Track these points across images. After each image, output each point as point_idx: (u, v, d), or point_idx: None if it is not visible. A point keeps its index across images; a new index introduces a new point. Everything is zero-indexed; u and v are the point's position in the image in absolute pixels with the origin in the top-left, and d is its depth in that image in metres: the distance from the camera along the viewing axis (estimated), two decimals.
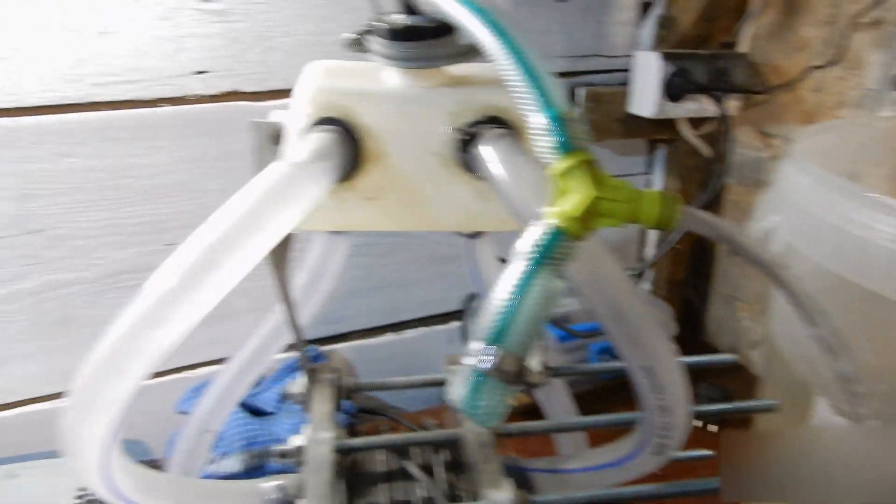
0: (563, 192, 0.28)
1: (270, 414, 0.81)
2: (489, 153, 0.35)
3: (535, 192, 0.31)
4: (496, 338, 0.27)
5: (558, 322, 0.87)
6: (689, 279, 1.05)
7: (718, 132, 0.90)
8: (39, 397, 0.81)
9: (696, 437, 0.39)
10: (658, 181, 0.99)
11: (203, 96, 0.75)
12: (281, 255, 0.44)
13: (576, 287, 0.30)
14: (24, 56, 0.67)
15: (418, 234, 0.92)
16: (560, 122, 0.28)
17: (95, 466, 0.32)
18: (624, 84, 0.89)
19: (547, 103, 0.28)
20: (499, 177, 0.33)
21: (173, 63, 0.73)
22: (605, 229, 0.28)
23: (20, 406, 0.81)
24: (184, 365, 0.85)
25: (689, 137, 0.92)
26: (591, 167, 0.28)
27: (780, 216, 0.48)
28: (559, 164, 0.28)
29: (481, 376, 0.27)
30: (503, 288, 0.27)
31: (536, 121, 0.28)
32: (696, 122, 0.92)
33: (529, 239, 0.27)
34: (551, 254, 0.27)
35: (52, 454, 0.74)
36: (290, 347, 0.48)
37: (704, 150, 0.93)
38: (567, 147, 0.28)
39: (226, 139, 0.77)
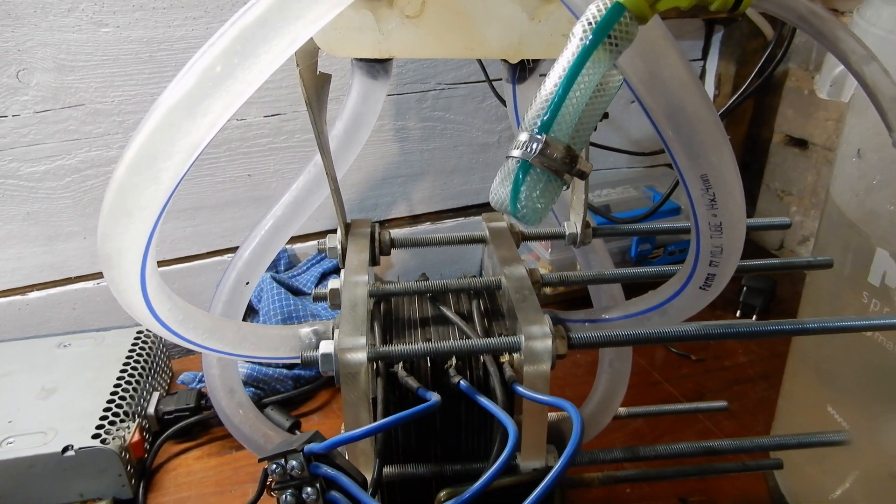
0: None
1: (308, 294, 0.82)
2: None
3: None
4: (544, 125, 0.25)
5: (599, 210, 0.85)
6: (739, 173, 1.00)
7: None
8: (87, 275, 0.83)
9: None
10: (713, 67, 0.93)
11: None
12: (318, 97, 0.43)
13: (630, 81, 0.27)
14: None
15: (456, 120, 0.89)
16: None
17: (133, 280, 0.32)
18: None
19: None
20: None
21: None
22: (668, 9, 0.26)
23: (68, 283, 0.83)
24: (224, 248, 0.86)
25: (753, 15, 0.85)
26: None
27: None
28: None
29: (527, 165, 0.26)
30: (555, 72, 0.25)
31: None
32: None
33: (587, 15, 0.25)
34: (610, 30, 0.25)
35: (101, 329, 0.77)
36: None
37: (767, 30, 0.87)
38: None
39: None
